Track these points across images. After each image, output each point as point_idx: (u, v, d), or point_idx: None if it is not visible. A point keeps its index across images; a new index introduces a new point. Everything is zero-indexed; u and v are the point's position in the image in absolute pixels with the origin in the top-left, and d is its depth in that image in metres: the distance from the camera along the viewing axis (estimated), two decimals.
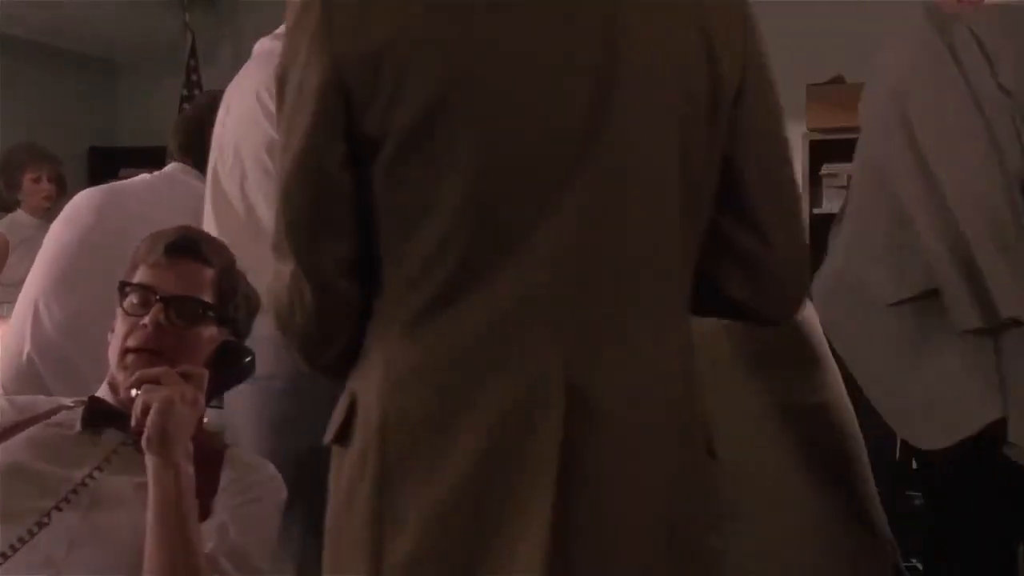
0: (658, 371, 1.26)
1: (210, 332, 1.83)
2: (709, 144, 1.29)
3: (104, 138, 6.81)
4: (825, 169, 4.90)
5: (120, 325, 1.81)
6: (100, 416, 1.76)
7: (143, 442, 1.68)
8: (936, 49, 2.15)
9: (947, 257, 2.05)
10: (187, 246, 1.84)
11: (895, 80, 2.21)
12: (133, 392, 1.72)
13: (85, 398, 1.81)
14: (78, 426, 1.77)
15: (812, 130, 4.93)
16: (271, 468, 1.85)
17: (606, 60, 1.22)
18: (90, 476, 1.67)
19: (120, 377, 1.79)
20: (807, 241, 1.40)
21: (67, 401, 1.85)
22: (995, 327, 2.04)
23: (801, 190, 5.51)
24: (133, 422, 1.70)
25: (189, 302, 1.81)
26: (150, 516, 1.63)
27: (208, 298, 1.84)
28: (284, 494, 1.84)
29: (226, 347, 1.85)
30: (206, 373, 1.77)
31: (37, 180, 4.58)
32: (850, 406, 2.21)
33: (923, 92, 2.16)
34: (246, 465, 1.82)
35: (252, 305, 1.91)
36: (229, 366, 1.86)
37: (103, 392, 1.82)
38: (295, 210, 1.25)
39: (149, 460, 1.66)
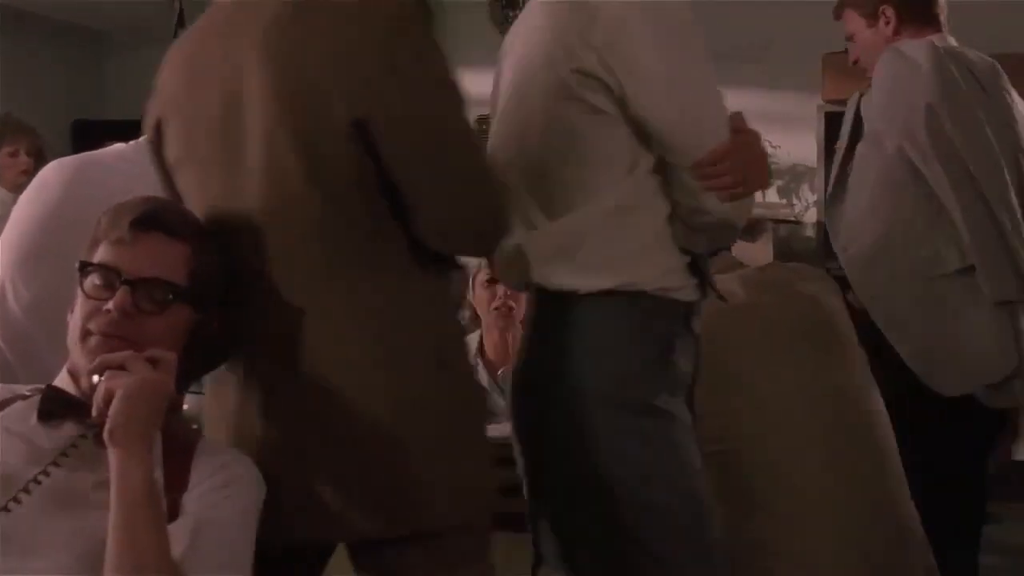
0: None
1: (180, 315, 1.71)
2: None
3: (89, 111, 6.71)
4: None
5: (80, 307, 1.68)
6: (58, 406, 1.64)
7: (104, 434, 1.56)
8: (953, 75, 2.71)
9: (985, 242, 2.53)
10: (155, 219, 1.70)
11: (922, 95, 2.71)
12: (95, 379, 1.60)
13: (42, 386, 1.69)
14: (34, 418, 1.64)
15: (828, 101, 4.81)
16: (248, 461, 1.73)
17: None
18: (43, 473, 1.55)
19: (81, 363, 1.67)
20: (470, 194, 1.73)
21: (24, 390, 1.73)
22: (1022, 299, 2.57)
23: (816, 163, 5.42)
24: (94, 412, 1.59)
25: (158, 285, 1.68)
26: (112, 518, 1.52)
27: (179, 279, 1.70)
28: (263, 490, 1.72)
29: (199, 329, 1.73)
30: (175, 358, 1.65)
31: (14, 154, 4.46)
32: (876, 390, 2.29)
33: (954, 109, 2.68)
34: (221, 458, 1.71)
35: (227, 284, 1.77)
36: (203, 349, 1.75)
37: (62, 380, 1.70)
38: None
39: (111, 454, 1.55)
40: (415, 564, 1.77)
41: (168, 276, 1.68)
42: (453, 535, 1.77)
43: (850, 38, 2.98)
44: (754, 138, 1.91)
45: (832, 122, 4.81)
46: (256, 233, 1.74)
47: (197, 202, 1.83)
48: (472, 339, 3.27)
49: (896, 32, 2.87)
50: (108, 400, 1.56)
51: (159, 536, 1.52)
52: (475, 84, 6.24)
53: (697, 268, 1.93)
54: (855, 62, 2.98)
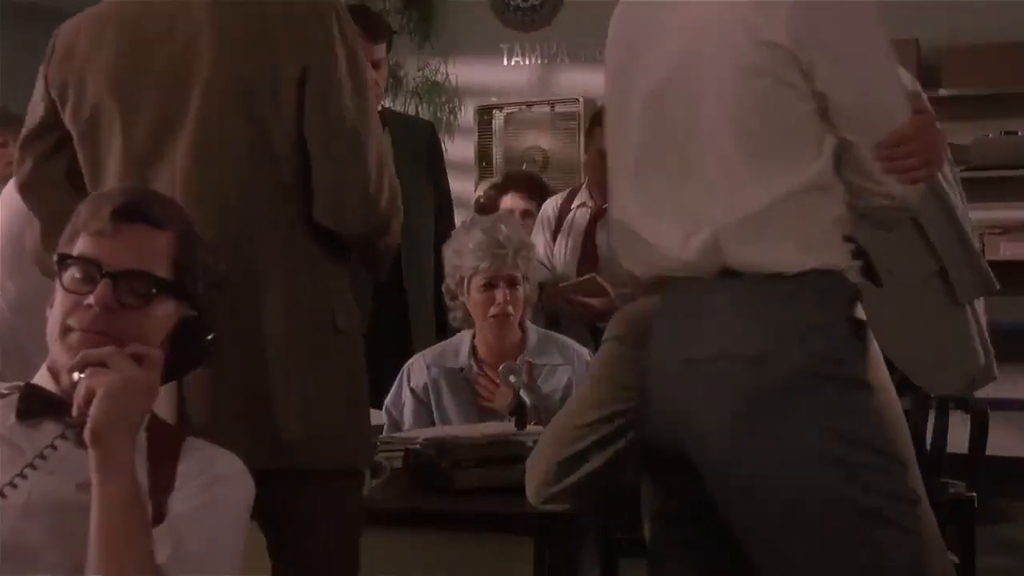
0: None
1: (165, 309, 1.64)
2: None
3: None
4: None
5: (60, 301, 1.61)
6: (37, 405, 1.58)
7: (85, 434, 1.50)
8: None
9: (951, 245, 2.54)
10: (136, 209, 1.63)
11: None
12: (75, 376, 1.54)
13: (21, 384, 1.63)
14: (12, 417, 1.58)
15: None
16: (237, 461, 1.67)
17: None
18: (20, 476, 1.48)
19: (61, 360, 1.60)
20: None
21: (2, 388, 1.66)
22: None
23: None
24: (74, 411, 1.53)
25: (140, 278, 1.61)
26: (93, 522, 1.46)
27: (163, 271, 1.63)
28: (252, 491, 1.67)
29: (185, 324, 1.67)
30: (160, 354, 1.59)
31: (3, 145, 4.38)
32: (894, 392, 2.20)
33: None
34: (208, 457, 1.65)
35: (213, 275, 1.71)
36: (188, 345, 1.68)
37: (42, 378, 1.64)
38: None
39: (92, 456, 1.49)
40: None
41: (151, 268, 1.62)
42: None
43: None
44: (932, 119, 1.89)
45: None
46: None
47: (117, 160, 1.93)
48: (463, 338, 3.22)
49: None
50: (89, 399, 1.50)
51: (142, 541, 1.47)
52: (475, 73, 6.24)
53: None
54: None
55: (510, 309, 3.09)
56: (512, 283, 3.09)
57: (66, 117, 2.02)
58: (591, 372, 2.28)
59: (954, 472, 3.52)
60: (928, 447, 3.39)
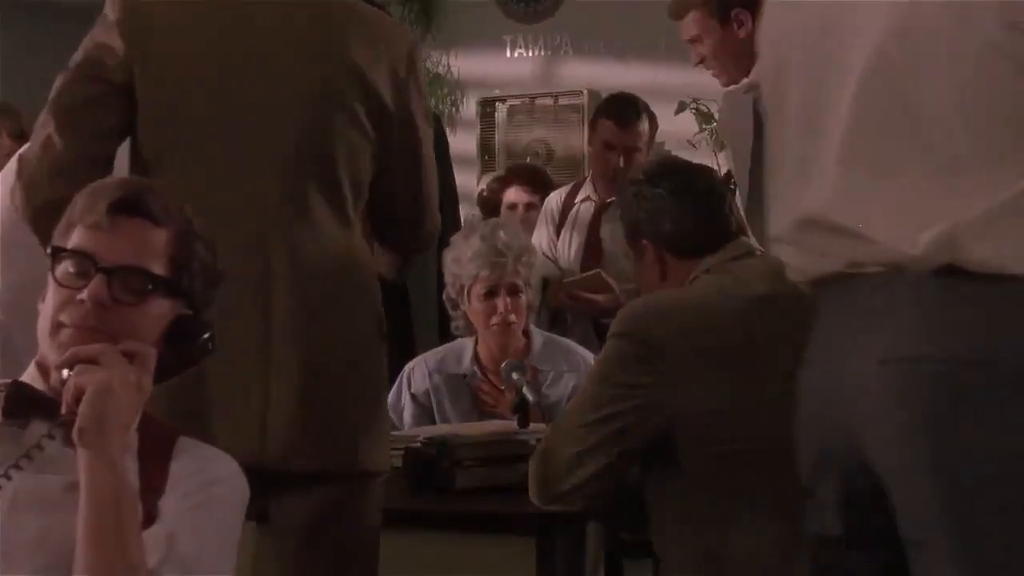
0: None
1: (161, 307, 1.59)
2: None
3: None
4: None
5: (52, 296, 1.57)
6: (23, 403, 1.54)
7: (74, 433, 1.46)
8: None
9: None
10: (134, 203, 1.58)
11: None
12: (64, 373, 1.49)
13: (8, 381, 1.59)
14: None
15: None
16: (231, 462, 1.63)
17: None
18: (4, 476, 1.44)
19: (51, 357, 1.56)
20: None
21: None
22: None
23: None
24: (63, 409, 1.49)
25: (136, 274, 1.56)
26: (81, 524, 1.42)
27: (159, 268, 1.59)
28: (247, 492, 1.63)
29: (180, 322, 1.62)
30: (153, 352, 1.55)
31: None
32: None
33: None
34: (201, 458, 1.61)
35: (211, 274, 1.67)
36: (183, 344, 1.64)
37: (30, 375, 1.59)
38: None
39: (81, 456, 1.45)
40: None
41: (147, 265, 1.57)
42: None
43: (695, 40, 2.95)
44: None
45: None
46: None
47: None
48: (466, 344, 3.18)
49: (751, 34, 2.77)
50: (78, 396, 1.46)
51: (132, 545, 1.43)
52: (478, 65, 6.23)
53: None
54: (700, 63, 2.98)
55: (512, 318, 3.05)
56: (514, 291, 3.06)
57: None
58: (594, 370, 2.25)
59: None
60: None
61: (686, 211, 2.26)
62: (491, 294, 3.05)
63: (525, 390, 2.69)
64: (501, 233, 3.06)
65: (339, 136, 1.99)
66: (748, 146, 2.83)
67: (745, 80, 2.85)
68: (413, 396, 3.09)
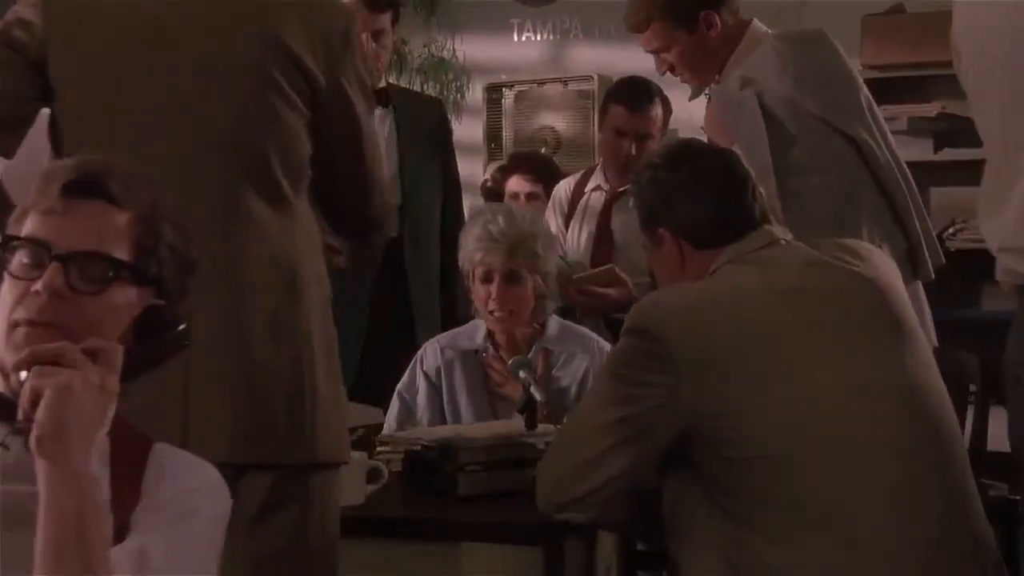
0: None
1: (126, 296, 1.49)
2: None
3: None
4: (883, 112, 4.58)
5: (7, 291, 1.46)
6: None
7: (31, 442, 1.35)
8: None
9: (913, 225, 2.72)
10: (90, 184, 1.48)
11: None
12: (22, 375, 1.38)
13: None
14: None
15: (867, 67, 4.60)
16: (211, 471, 1.53)
17: None
18: None
19: (7, 357, 1.45)
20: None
21: None
22: None
23: None
24: (20, 414, 1.37)
25: (95, 259, 1.46)
26: (39, 542, 1.32)
27: (121, 253, 1.48)
28: (228, 503, 1.53)
29: (150, 313, 1.52)
30: (119, 349, 1.43)
31: None
32: (944, 388, 2.11)
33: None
34: (178, 466, 1.51)
35: (183, 260, 1.56)
36: (154, 337, 1.53)
37: None
38: None
39: (39, 466, 1.34)
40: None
41: (107, 249, 1.47)
42: None
43: (660, 50, 2.97)
44: None
45: (872, 88, 4.62)
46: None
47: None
48: (479, 323, 3.17)
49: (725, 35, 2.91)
50: (35, 401, 1.35)
51: (99, 564, 1.32)
52: (484, 50, 6.12)
53: None
54: (667, 71, 3.01)
55: (507, 306, 3.03)
56: (512, 278, 3.03)
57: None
58: (606, 367, 2.17)
59: (994, 472, 3.40)
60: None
61: (706, 197, 2.19)
62: (487, 279, 3.04)
63: (533, 389, 2.61)
64: (500, 218, 3.03)
65: (270, 118, 1.94)
66: (764, 142, 2.75)
67: (737, 74, 2.84)
68: (425, 375, 3.09)
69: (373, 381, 3.19)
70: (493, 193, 4.56)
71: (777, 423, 1.98)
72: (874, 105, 2.87)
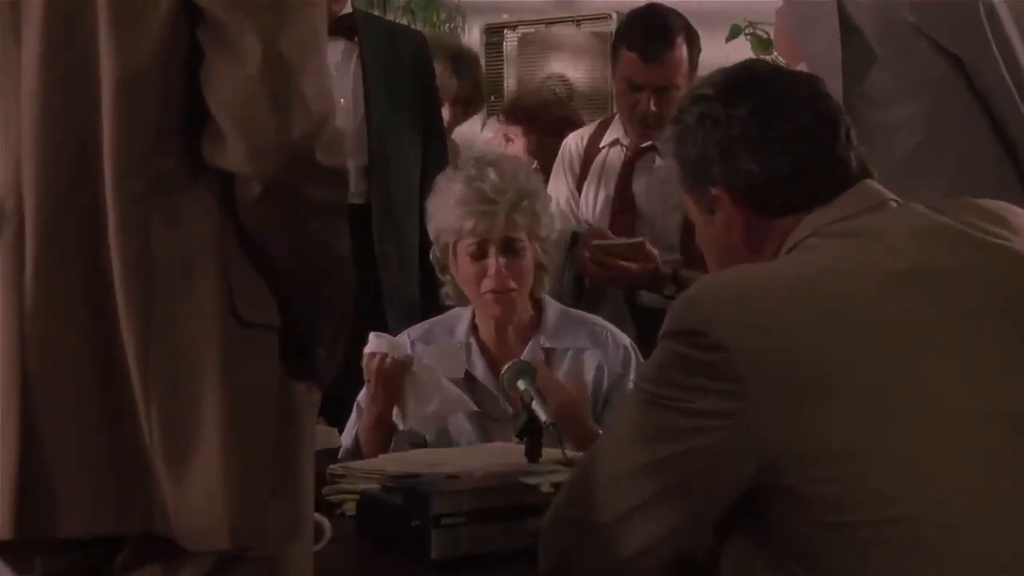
0: None
1: None
2: None
3: None
4: None
5: None
6: None
7: None
8: None
9: None
10: None
11: None
12: None
13: None
14: None
15: None
16: None
17: None
18: None
19: None
20: None
21: None
22: None
23: None
24: None
25: None
26: None
27: None
28: None
29: None
30: None
31: None
32: None
33: None
34: None
35: None
36: None
37: None
38: None
39: None
40: None
41: None
42: None
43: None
44: None
45: None
46: None
47: None
48: (461, 314, 2.90)
49: None
50: None
51: None
52: None
53: None
54: None
55: (511, 284, 2.76)
56: (511, 248, 2.76)
57: None
58: (640, 386, 1.81)
59: None
60: None
61: (780, 142, 1.82)
62: (481, 252, 2.77)
63: (535, 406, 2.31)
64: (491, 172, 2.75)
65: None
66: (836, 63, 2.57)
67: None
68: None
69: (331, 387, 2.88)
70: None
71: (900, 476, 1.62)
72: (1003, 7, 2.66)
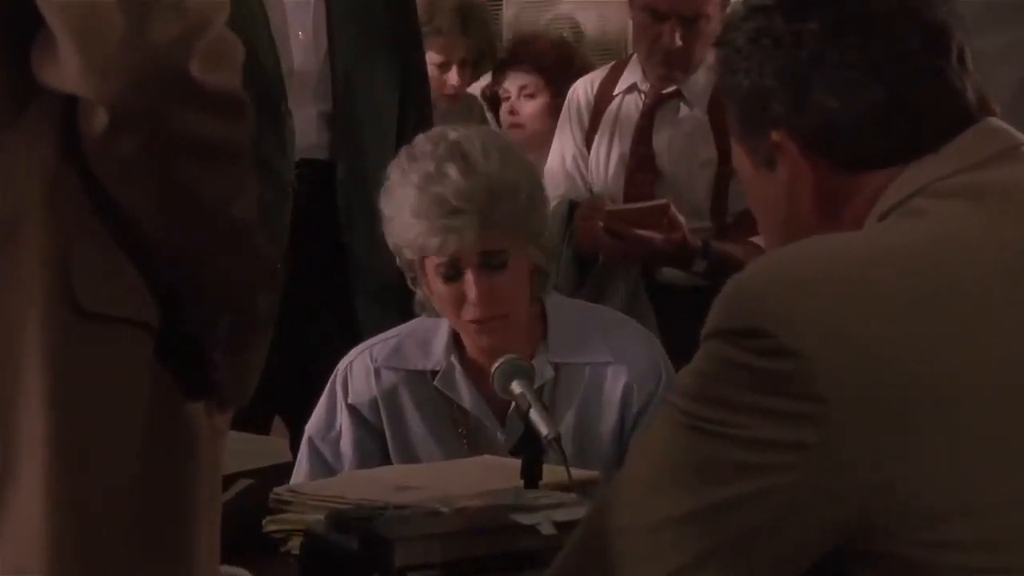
0: None
1: None
2: None
3: None
4: None
5: None
6: None
7: None
8: None
9: None
10: None
11: None
12: None
13: None
14: None
15: None
16: None
17: None
18: None
19: None
20: None
21: None
22: None
23: None
24: None
25: None
26: None
27: None
28: None
29: None
30: None
31: None
32: None
33: None
34: None
35: None
36: None
37: None
38: None
39: None
40: None
41: None
42: None
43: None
44: None
45: None
46: None
47: None
48: (437, 325, 2.51)
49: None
50: None
51: None
52: None
53: None
54: None
55: (497, 310, 2.38)
56: (493, 262, 2.37)
57: None
58: (676, 406, 1.46)
59: None
60: None
61: (868, 67, 1.52)
62: (454, 272, 2.39)
63: (533, 415, 2.01)
64: (452, 171, 2.32)
65: None
66: None
67: None
68: (352, 409, 2.47)
69: (288, 388, 2.77)
70: (498, 103, 4.33)
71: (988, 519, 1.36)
72: None
